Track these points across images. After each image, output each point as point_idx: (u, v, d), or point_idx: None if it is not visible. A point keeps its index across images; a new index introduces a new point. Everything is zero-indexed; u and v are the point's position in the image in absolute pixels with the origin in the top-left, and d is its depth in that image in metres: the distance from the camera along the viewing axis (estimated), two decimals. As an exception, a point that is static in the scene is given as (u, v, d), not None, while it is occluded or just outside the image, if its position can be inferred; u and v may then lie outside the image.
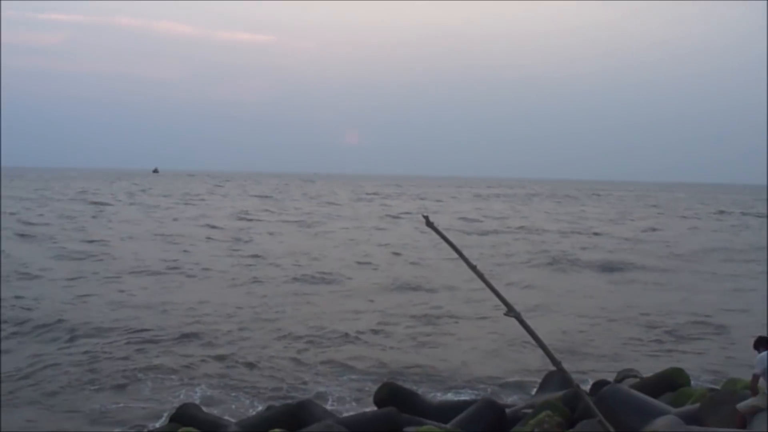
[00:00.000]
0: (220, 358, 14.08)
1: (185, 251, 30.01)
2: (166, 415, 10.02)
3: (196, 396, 11.64)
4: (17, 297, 19.24)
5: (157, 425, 9.96)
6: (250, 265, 26.75)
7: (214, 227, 42.06)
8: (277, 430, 8.41)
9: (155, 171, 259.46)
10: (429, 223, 6.46)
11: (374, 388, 10.55)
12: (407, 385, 10.45)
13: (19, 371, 12.89)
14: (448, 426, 8.51)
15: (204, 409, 9.83)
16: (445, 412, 9.39)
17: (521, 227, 46.68)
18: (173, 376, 12.85)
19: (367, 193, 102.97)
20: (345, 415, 9.85)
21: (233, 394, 12.00)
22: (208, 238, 35.77)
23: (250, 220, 49.03)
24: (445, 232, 6.55)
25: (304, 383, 12.67)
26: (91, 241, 33.21)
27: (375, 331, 16.57)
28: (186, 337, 15.64)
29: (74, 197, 72.36)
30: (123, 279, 23.18)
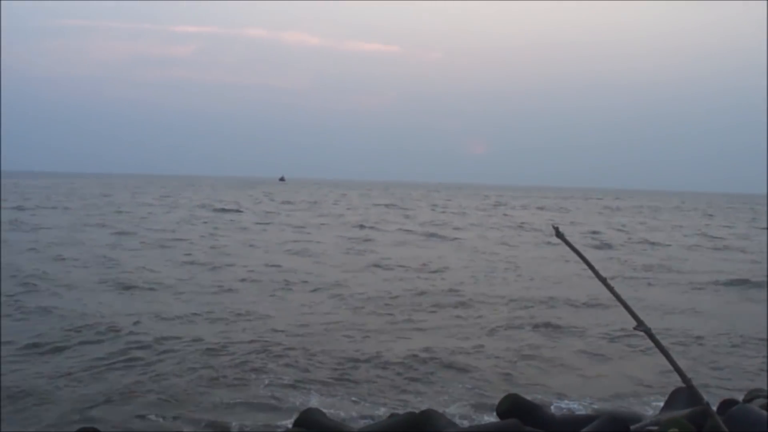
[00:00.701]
0: (341, 362, 14.37)
1: (318, 262, 30.68)
2: (290, 421, 10.13)
3: (311, 401, 11.88)
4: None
5: (279, 429, 10.23)
6: (382, 276, 26.97)
7: (347, 238, 42.74)
8: None
9: (282, 179, 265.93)
10: (559, 234, 6.44)
11: (494, 398, 10.50)
12: (528, 397, 10.35)
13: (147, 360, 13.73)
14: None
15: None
16: (567, 426, 9.25)
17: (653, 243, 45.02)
18: (289, 378, 13.23)
19: (495, 204, 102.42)
20: (467, 425, 9.86)
21: (353, 399, 12.25)
22: (348, 250, 36.21)
23: (376, 229, 49.69)
24: (576, 245, 6.54)
25: (420, 392, 12.76)
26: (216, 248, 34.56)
27: (493, 339, 16.65)
28: (304, 338, 16.17)
29: (210, 205, 75.18)
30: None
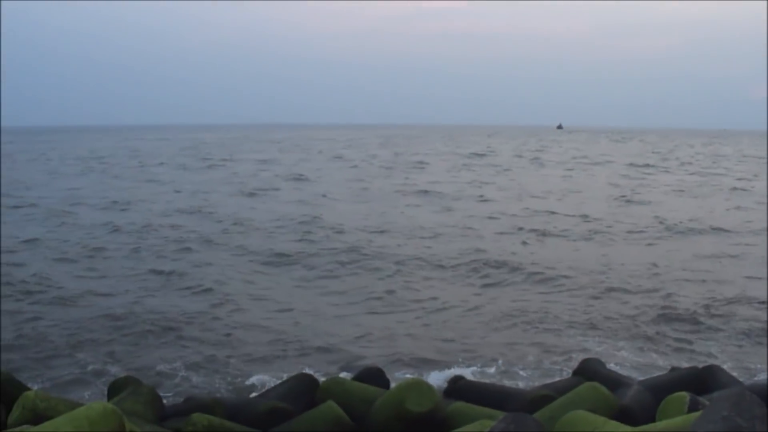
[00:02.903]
0: (633, 311, 14.46)
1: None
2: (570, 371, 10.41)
3: (596, 350, 12.10)
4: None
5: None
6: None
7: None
8: (682, 393, 8.25)
9: (559, 127, 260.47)
10: None
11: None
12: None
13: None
14: None
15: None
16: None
17: None
18: (571, 329, 13.60)
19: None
20: (753, 380, 9.57)
21: (640, 348, 12.33)
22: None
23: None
24: None
25: (708, 347, 12.50)
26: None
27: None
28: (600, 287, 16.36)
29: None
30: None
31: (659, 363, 11.50)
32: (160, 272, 17.92)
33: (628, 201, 33.91)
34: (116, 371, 10.83)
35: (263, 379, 10.64)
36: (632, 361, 11.68)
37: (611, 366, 10.49)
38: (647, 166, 58.78)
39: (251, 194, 36.34)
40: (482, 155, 74.37)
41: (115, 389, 8.45)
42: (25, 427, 6.57)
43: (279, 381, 9.57)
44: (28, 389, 8.11)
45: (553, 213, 29.17)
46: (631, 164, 59.89)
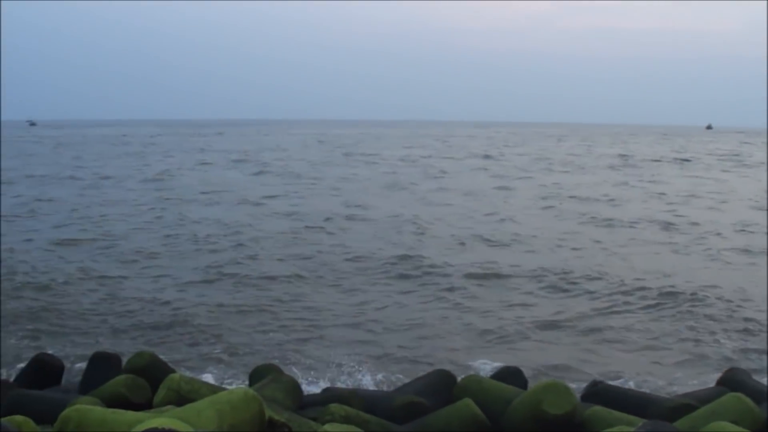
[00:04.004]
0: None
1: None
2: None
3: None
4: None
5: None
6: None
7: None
8: None
9: (709, 128, 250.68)
10: None
11: None
12: None
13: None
14: None
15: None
16: None
17: None
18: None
19: None
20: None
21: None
22: None
23: None
24: None
25: None
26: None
27: None
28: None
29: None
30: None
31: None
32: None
33: None
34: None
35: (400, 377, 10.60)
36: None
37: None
38: None
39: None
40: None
41: (256, 376, 8.64)
42: (169, 407, 6.79)
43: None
44: (173, 371, 8.43)
45: None
46: None
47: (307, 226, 24.47)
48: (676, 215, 27.94)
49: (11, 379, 9.14)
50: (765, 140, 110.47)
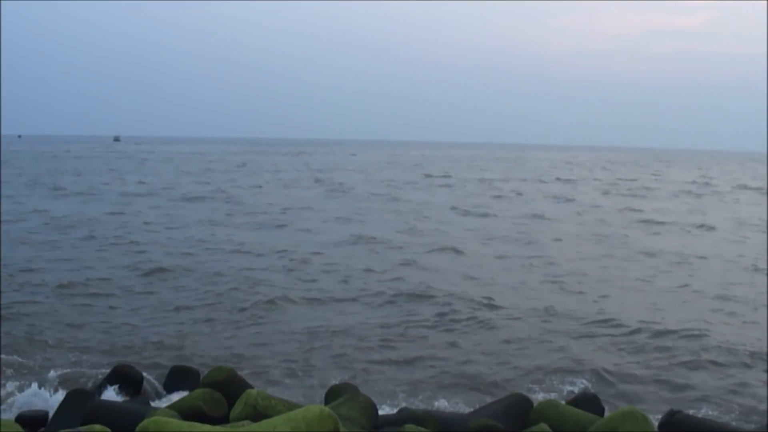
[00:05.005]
0: None
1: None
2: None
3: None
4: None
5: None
6: None
7: None
8: None
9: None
10: None
11: None
12: None
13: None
14: None
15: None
16: None
17: None
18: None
19: None
20: None
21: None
22: None
23: None
24: None
25: None
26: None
27: None
28: None
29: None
30: None
31: None
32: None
33: None
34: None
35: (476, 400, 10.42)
36: None
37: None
38: None
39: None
40: None
41: (332, 394, 8.64)
42: (246, 422, 6.84)
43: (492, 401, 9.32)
44: (251, 387, 8.50)
45: None
46: None
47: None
48: None
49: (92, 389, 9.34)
50: None
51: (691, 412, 9.52)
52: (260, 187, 50.56)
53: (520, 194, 48.39)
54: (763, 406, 10.53)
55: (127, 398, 8.91)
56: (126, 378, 9.26)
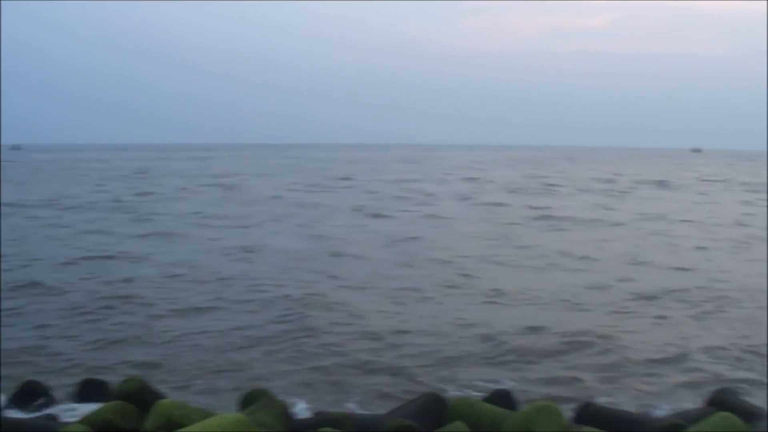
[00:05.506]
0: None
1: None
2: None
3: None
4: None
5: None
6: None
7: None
8: None
9: (695, 150, 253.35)
10: None
11: None
12: None
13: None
14: None
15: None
16: None
17: None
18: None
19: None
20: None
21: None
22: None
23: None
24: None
25: None
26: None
27: None
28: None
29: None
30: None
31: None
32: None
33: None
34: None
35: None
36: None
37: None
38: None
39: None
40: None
41: (247, 401, 8.59)
42: (161, 433, 6.75)
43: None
44: (164, 397, 8.37)
45: None
46: None
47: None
48: None
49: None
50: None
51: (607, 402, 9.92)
52: (153, 194, 49.20)
53: (427, 195, 49.02)
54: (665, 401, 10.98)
55: (36, 414, 8.64)
56: (32, 393, 8.99)
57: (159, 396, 8.47)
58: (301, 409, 9.56)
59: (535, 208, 40.04)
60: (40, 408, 8.93)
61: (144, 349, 13.05)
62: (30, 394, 9.07)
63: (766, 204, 42.63)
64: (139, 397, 8.20)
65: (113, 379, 9.86)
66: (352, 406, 10.13)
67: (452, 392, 10.52)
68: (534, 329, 14.50)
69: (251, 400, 8.51)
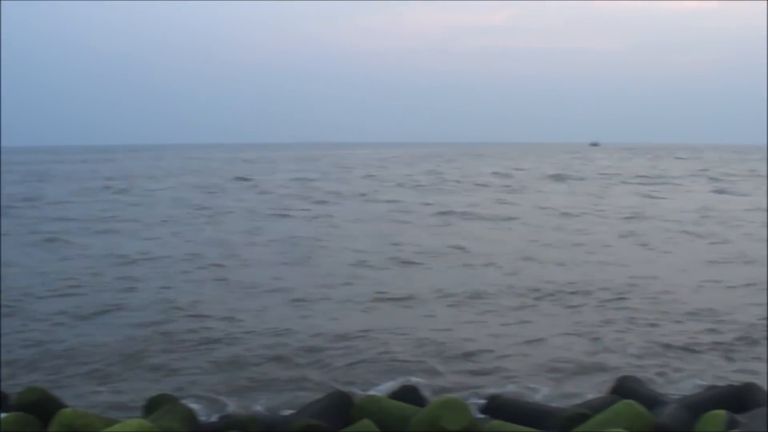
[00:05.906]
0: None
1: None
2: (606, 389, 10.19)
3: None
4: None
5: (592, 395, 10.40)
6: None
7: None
8: (719, 411, 8.05)
9: (594, 144, 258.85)
10: None
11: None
12: None
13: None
14: None
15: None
16: None
17: None
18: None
19: None
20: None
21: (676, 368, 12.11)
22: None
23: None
24: None
25: (747, 365, 12.25)
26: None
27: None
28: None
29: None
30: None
31: (697, 381, 11.29)
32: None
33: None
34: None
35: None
36: (668, 379, 11.49)
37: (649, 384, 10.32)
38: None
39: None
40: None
41: (151, 406, 8.51)
42: (63, 443, 6.66)
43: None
44: (66, 406, 8.21)
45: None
46: None
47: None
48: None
49: None
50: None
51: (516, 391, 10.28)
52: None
53: (327, 193, 49.06)
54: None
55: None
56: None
57: (61, 405, 8.30)
58: (207, 413, 9.55)
59: (430, 204, 40.66)
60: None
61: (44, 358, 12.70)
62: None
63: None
64: (41, 407, 8.02)
65: (11, 390, 9.60)
66: (258, 408, 10.16)
67: (358, 392, 10.64)
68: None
69: (155, 405, 8.44)
